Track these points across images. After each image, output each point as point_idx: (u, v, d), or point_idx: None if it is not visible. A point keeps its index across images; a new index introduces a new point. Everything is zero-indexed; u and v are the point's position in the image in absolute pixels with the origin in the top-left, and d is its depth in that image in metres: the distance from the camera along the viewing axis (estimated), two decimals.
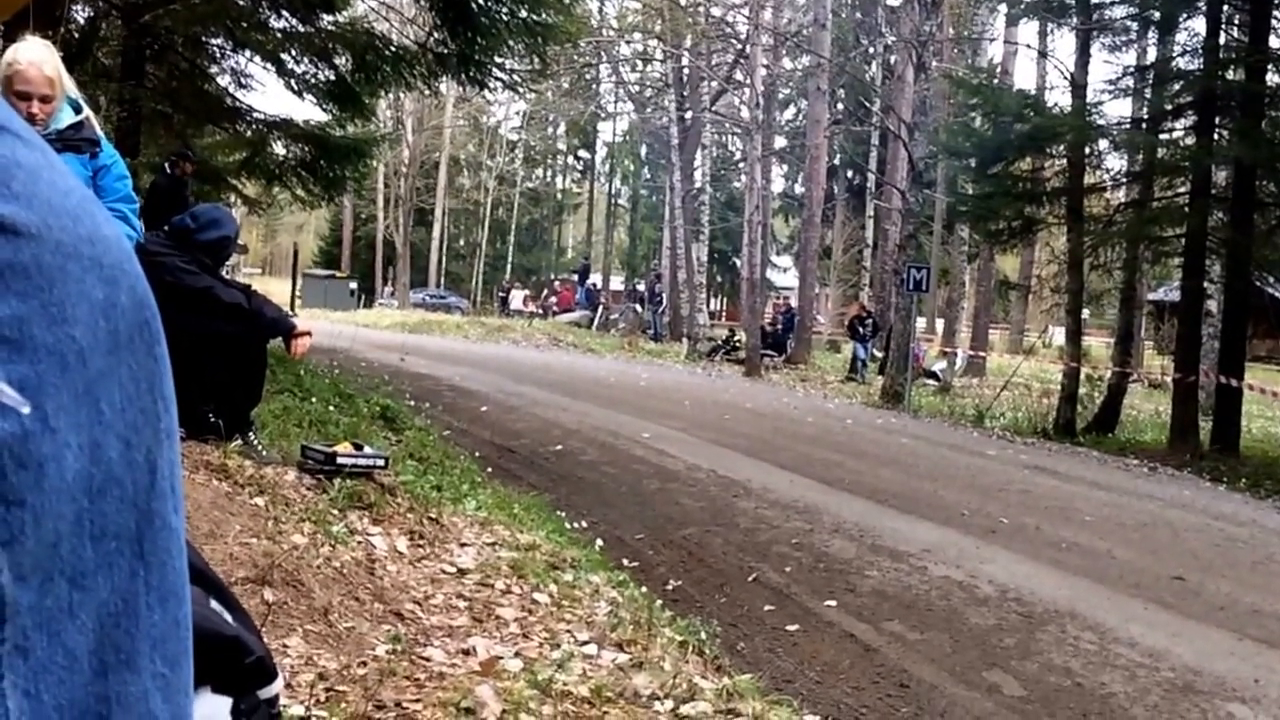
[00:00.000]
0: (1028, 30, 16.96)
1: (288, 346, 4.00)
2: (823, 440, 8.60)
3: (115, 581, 0.35)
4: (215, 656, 0.61)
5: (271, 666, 0.68)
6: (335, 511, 3.40)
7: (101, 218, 0.36)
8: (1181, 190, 10.88)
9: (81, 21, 7.39)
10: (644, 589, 3.87)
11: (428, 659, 2.51)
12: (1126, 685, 3.49)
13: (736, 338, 18.88)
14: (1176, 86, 10.87)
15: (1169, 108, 10.99)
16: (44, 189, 0.34)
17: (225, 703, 0.67)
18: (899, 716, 3.18)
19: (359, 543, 3.23)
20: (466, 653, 2.60)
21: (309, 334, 4.03)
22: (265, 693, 0.71)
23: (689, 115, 21.01)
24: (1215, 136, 10.22)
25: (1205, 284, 11.08)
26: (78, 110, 2.99)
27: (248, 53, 8.28)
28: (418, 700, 2.21)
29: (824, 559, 4.78)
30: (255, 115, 8.50)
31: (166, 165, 6.23)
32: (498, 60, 7.94)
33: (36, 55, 2.82)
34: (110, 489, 0.35)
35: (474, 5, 7.27)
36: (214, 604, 0.65)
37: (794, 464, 7.10)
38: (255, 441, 3.86)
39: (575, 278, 30.69)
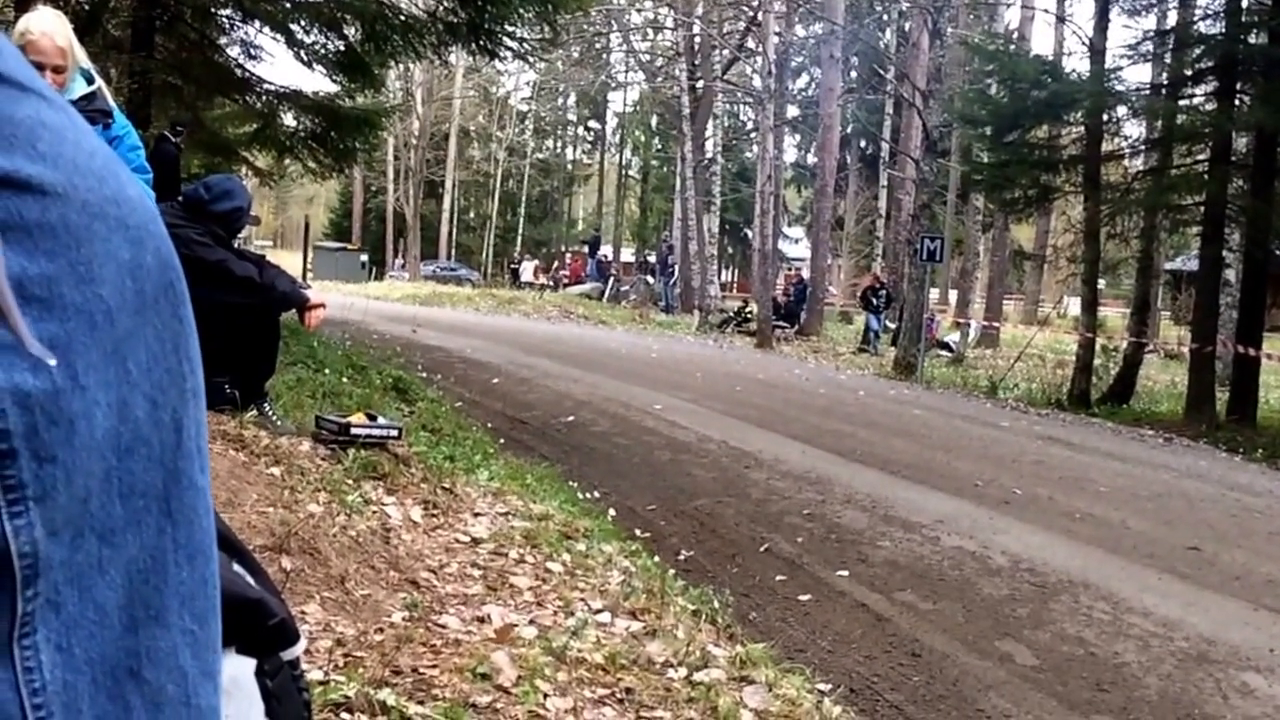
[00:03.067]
0: None
1: (302, 318, 4.01)
2: (835, 411, 8.59)
3: (144, 539, 0.35)
4: (239, 618, 0.61)
5: (294, 629, 0.69)
6: (350, 481, 3.42)
7: (126, 178, 0.37)
8: (1201, 158, 10.71)
9: None
10: (656, 559, 3.89)
11: (444, 626, 2.53)
12: (1140, 655, 3.49)
13: (748, 309, 18.81)
14: (1197, 51, 10.65)
15: (1189, 73, 10.78)
16: (69, 149, 0.34)
17: (249, 664, 0.68)
18: (911, 685, 3.20)
19: (374, 512, 3.26)
20: (481, 620, 2.62)
21: (323, 305, 4.03)
22: (288, 654, 0.72)
23: (700, 84, 20.78)
24: (1236, 102, 10.04)
25: (1224, 253, 10.95)
26: (90, 81, 2.98)
27: (257, 23, 8.21)
28: (434, 666, 2.24)
29: (836, 529, 4.79)
30: (265, 86, 8.45)
31: (171, 134, 6.16)
32: (508, 29, 7.85)
33: (49, 25, 2.80)
34: (138, 447, 0.35)
35: None
36: (236, 567, 0.66)
37: (806, 435, 7.10)
38: (270, 412, 3.89)
39: (586, 249, 30.58)
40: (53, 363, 0.32)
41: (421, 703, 2.04)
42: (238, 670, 0.67)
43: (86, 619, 0.33)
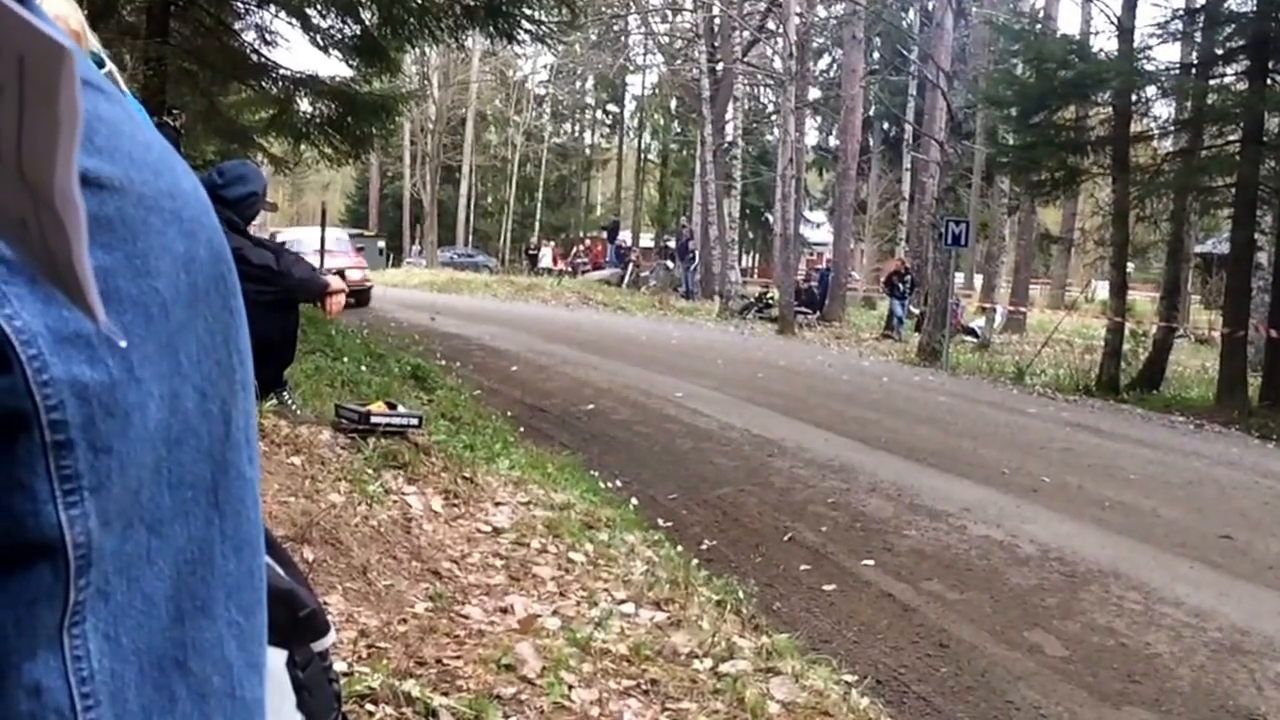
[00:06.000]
0: None
1: (322, 305, 3.99)
2: (858, 398, 8.51)
3: (191, 530, 0.36)
4: (270, 609, 0.59)
5: (324, 619, 0.67)
6: (370, 470, 3.41)
7: (181, 170, 0.37)
8: (1232, 138, 10.48)
9: None
10: (679, 549, 3.85)
11: (467, 617, 2.51)
12: (1172, 645, 3.43)
13: (770, 295, 18.69)
14: (1228, 29, 10.41)
15: (1220, 52, 10.54)
16: (125, 143, 0.34)
17: (281, 655, 0.67)
18: (938, 676, 3.15)
19: (395, 502, 3.24)
20: (505, 611, 2.60)
21: (343, 292, 4.01)
22: (319, 645, 0.70)
23: (720, 67, 20.58)
24: (1269, 81, 9.80)
25: (1256, 235, 10.72)
26: (101, 66, 2.95)
27: (272, 8, 8.18)
28: (458, 657, 2.22)
29: (861, 518, 4.73)
30: (281, 72, 8.41)
31: (169, 118, 6.14)
32: (526, 11, 7.77)
33: (59, 9, 2.77)
34: (187, 439, 0.35)
35: None
36: (266, 557, 0.63)
37: (829, 422, 7.04)
38: (289, 401, 3.88)
39: (605, 235, 30.46)
40: (123, 344, 0.32)
41: (446, 694, 2.02)
42: (270, 662, 0.65)
43: (134, 609, 0.34)
